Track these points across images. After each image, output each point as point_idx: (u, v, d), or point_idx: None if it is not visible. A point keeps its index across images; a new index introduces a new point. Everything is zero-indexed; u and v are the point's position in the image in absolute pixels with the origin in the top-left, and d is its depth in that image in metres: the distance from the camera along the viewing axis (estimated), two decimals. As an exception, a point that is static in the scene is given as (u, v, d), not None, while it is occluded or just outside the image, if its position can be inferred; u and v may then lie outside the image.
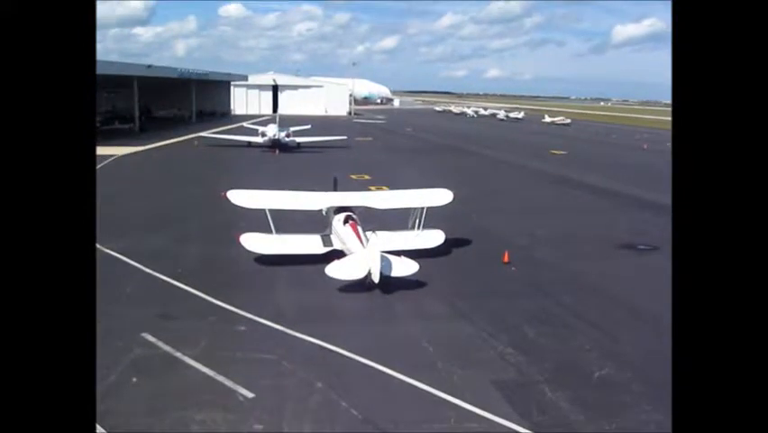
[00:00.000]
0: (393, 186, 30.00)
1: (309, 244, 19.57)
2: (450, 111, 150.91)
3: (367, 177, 37.98)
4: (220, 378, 11.59)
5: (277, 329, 14.07)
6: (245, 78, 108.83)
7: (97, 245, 19.94)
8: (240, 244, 19.13)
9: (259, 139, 52.84)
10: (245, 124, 68.57)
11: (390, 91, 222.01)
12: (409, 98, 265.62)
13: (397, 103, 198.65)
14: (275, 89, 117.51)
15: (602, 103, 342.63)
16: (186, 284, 16.89)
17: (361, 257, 16.87)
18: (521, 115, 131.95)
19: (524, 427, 10.31)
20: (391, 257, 17.24)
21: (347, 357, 12.73)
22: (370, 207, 20.61)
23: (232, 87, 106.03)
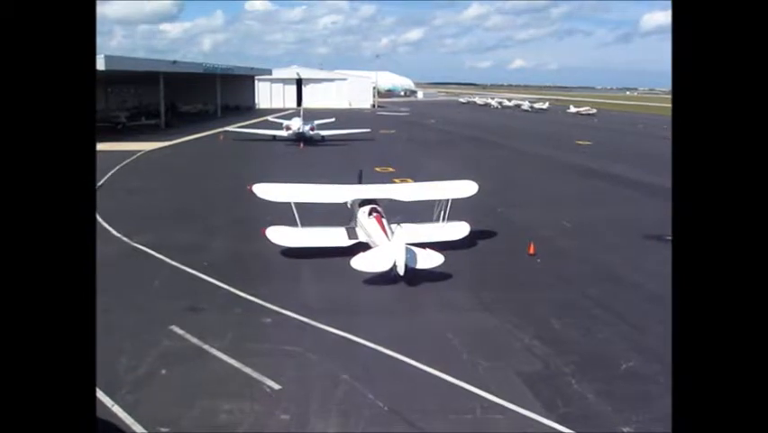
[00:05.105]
0: (417, 178, 29.93)
1: (334, 236, 19.67)
2: (474, 102, 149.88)
3: (391, 169, 37.95)
4: (247, 369, 11.75)
5: (302, 321, 14.20)
6: (269, 72, 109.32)
7: (125, 239, 20.32)
8: (265, 237, 19.31)
9: (283, 132, 53.09)
10: (269, 117, 68.87)
11: (414, 83, 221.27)
12: (433, 90, 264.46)
13: (420, 95, 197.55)
14: (299, 83, 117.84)
15: (628, 92, 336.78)
16: (212, 277, 17.12)
17: (386, 249, 16.91)
18: (546, 105, 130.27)
19: (549, 419, 10.29)
20: (416, 249, 17.25)
21: (372, 349, 12.81)
22: (394, 200, 20.64)
23: (256, 82, 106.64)
